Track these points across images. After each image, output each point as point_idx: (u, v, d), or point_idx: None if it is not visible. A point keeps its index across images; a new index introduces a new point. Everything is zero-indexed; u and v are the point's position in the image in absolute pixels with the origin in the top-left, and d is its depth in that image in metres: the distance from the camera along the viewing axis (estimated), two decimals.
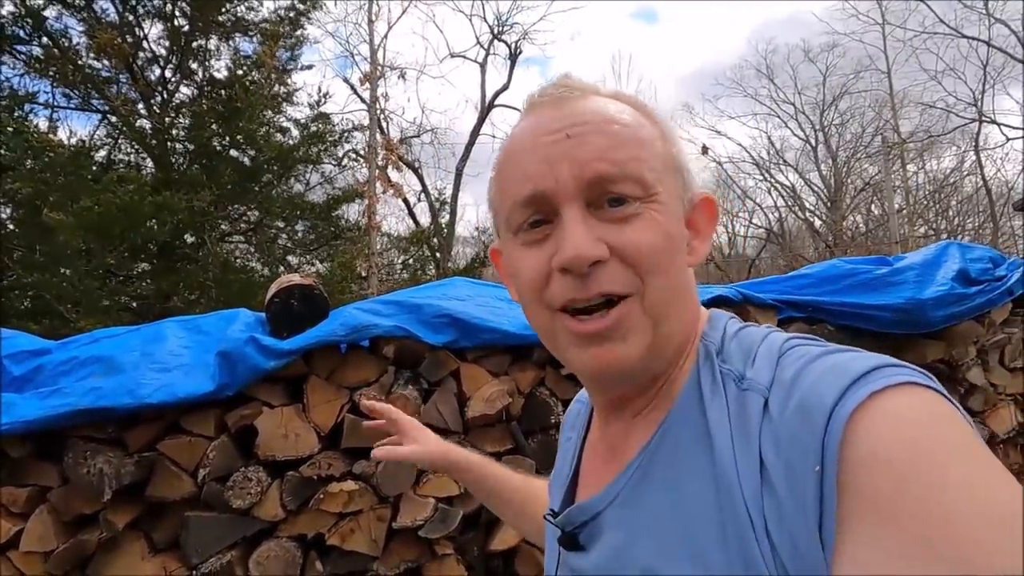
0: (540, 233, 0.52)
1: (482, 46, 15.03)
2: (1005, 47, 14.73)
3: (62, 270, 6.35)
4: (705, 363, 0.51)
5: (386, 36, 12.18)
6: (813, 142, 20.20)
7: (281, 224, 9.35)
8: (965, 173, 18.64)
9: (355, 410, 1.97)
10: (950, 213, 20.01)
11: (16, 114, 7.03)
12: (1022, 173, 16.99)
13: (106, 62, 7.97)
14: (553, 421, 2.13)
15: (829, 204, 19.93)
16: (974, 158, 16.98)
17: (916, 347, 2.39)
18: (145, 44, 8.36)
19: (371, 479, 1.92)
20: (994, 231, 17.29)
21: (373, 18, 9.61)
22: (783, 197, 20.54)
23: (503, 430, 2.12)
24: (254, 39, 9.09)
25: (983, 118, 15.51)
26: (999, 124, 15.35)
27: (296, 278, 2.15)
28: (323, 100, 9.57)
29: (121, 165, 8.35)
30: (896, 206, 16.28)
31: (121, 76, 8.18)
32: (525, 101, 0.57)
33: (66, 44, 7.85)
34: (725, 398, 0.47)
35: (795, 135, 20.62)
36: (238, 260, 8.87)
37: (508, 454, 2.11)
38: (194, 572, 1.78)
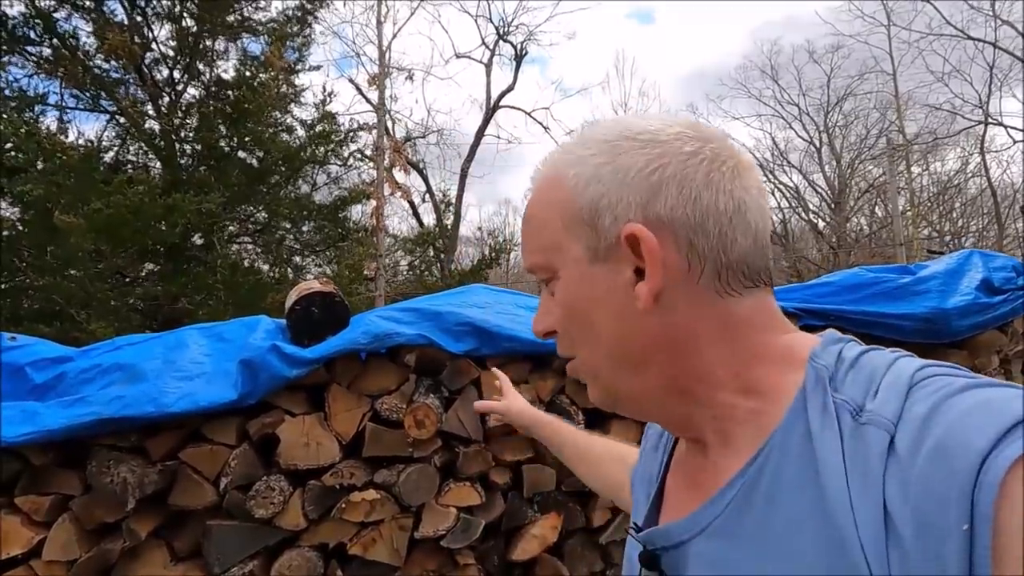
0: None
1: (487, 47, 15.05)
2: (1012, 49, 14.66)
3: (72, 271, 6.36)
4: (815, 390, 0.45)
5: (393, 38, 12.18)
6: (817, 143, 20.18)
7: (288, 225, 9.36)
8: (969, 175, 18.59)
9: (376, 418, 1.96)
10: (954, 215, 19.94)
11: (27, 115, 7.04)
12: None
13: (115, 63, 7.99)
14: None
15: (833, 206, 19.89)
16: (979, 160, 16.94)
17: (939, 357, 2.35)
18: (153, 45, 8.38)
19: (393, 488, 1.91)
20: (999, 234, 17.22)
21: (381, 19, 9.60)
22: (787, 198, 20.52)
23: (524, 438, 2.11)
24: (261, 39, 9.11)
25: (989, 120, 15.45)
26: (1006, 127, 15.30)
27: (316, 285, 2.13)
28: (328, 100, 9.57)
29: (129, 166, 8.36)
30: (900, 208, 16.21)
31: (129, 77, 8.20)
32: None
33: (75, 45, 7.87)
34: (839, 432, 0.41)
35: (799, 136, 20.60)
36: (246, 261, 8.88)
37: (528, 463, 2.10)
38: None
